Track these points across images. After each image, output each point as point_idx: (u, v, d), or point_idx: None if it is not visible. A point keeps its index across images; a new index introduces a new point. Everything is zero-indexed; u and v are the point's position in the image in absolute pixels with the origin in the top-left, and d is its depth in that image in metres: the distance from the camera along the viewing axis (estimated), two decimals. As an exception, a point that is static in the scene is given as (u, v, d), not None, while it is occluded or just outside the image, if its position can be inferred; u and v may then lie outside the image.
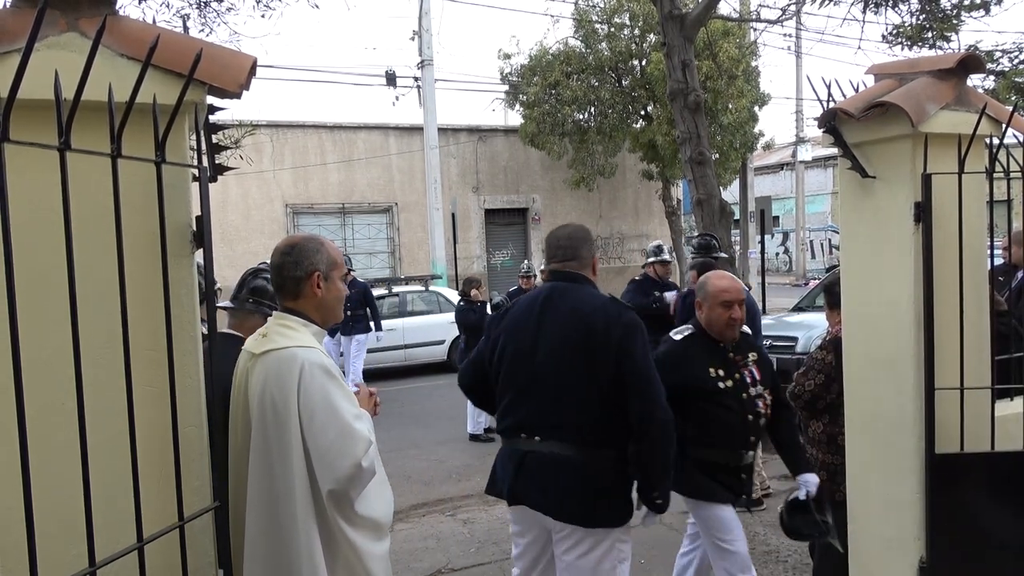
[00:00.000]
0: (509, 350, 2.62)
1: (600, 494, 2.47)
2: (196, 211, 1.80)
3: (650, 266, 6.62)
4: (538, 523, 2.58)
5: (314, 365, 1.96)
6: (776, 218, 26.62)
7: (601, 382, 2.46)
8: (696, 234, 6.73)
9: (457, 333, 10.31)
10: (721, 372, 3.01)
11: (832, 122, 2.64)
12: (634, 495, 2.57)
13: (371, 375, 10.50)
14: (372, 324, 9.69)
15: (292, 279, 2.08)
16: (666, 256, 6.61)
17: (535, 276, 8.26)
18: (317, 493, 1.96)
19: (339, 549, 2.01)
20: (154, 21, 2.49)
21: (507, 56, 17.66)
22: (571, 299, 2.58)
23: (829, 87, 2.67)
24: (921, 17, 7.15)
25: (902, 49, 7.41)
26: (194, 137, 1.86)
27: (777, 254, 27.67)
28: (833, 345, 3.07)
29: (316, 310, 2.12)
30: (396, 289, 12.49)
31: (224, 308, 2.69)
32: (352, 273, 9.15)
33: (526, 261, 8.90)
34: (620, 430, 2.50)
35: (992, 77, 7.98)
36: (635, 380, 2.44)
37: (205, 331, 1.87)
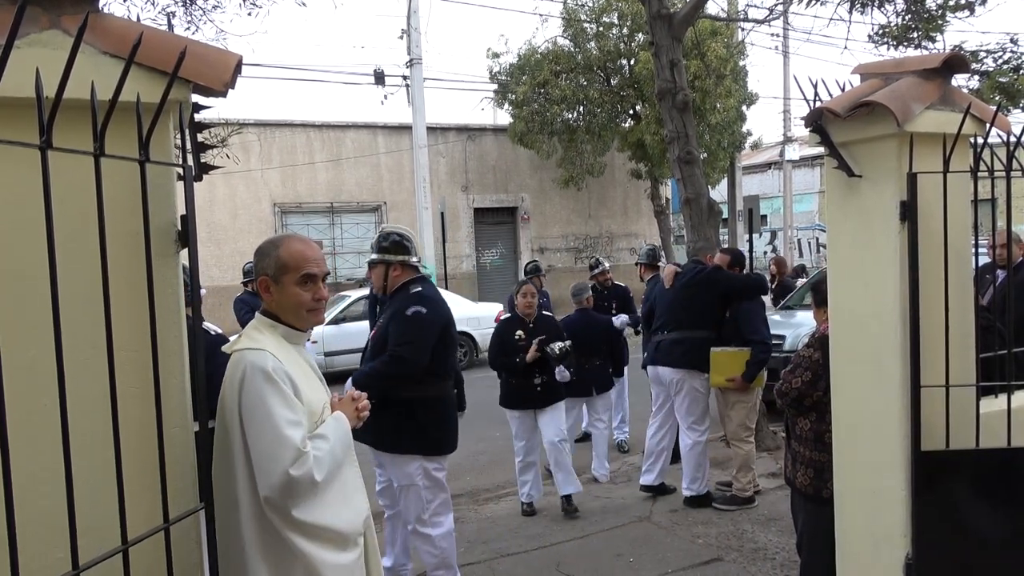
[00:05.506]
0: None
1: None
2: (181, 210, 1.79)
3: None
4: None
5: (255, 368, 1.91)
6: (764, 217, 26.74)
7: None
8: (647, 244, 7.56)
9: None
10: None
11: (819, 121, 2.66)
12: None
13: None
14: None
15: (255, 283, 2.15)
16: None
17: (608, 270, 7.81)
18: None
19: (291, 557, 1.95)
20: (138, 19, 2.46)
21: (496, 55, 17.65)
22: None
23: (816, 87, 2.68)
24: (907, 17, 7.19)
25: (888, 49, 7.45)
26: (179, 136, 1.85)
27: (765, 252, 27.82)
28: (820, 343, 3.09)
29: (283, 313, 2.08)
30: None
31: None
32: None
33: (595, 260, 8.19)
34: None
35: (976, 77, 8.03)
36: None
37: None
